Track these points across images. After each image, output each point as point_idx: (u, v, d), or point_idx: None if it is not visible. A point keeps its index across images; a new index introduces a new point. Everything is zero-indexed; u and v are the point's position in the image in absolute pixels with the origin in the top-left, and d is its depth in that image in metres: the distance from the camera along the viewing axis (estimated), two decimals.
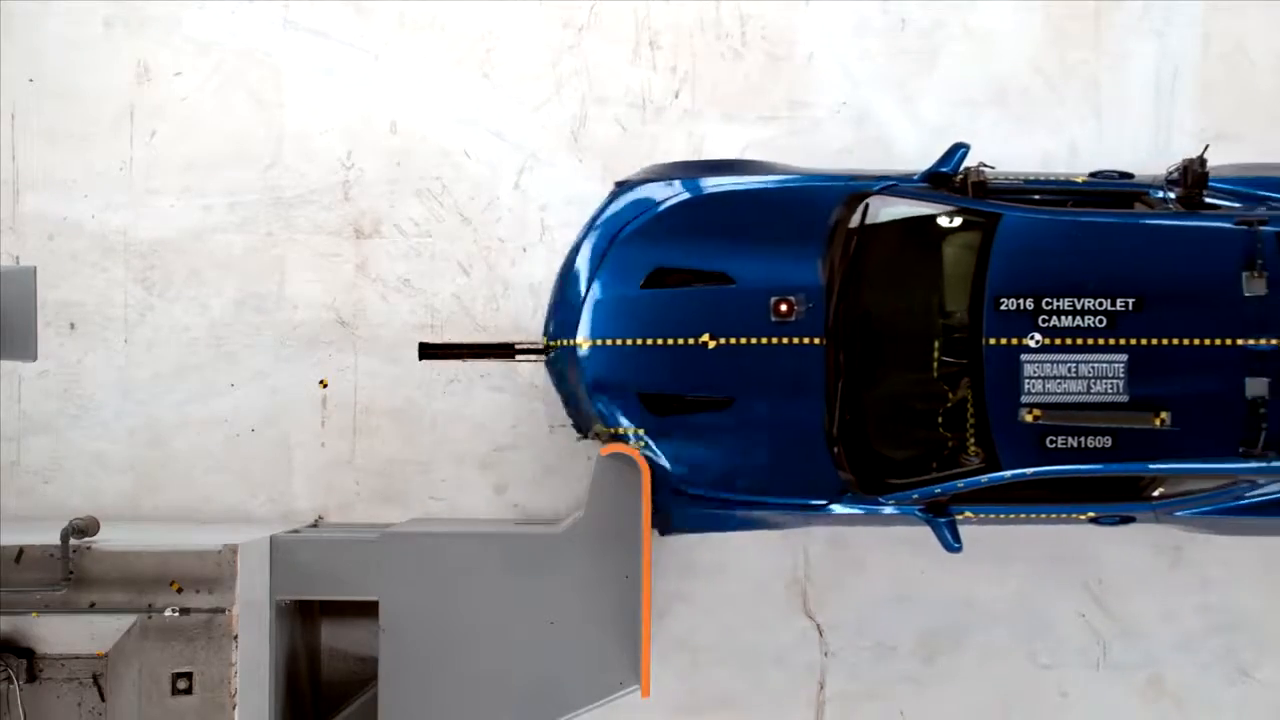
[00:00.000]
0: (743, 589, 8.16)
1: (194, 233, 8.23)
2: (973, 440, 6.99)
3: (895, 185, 7.15)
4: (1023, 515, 7.21)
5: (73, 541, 6.43)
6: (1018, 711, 8.22)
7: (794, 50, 8.38)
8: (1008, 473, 6.85)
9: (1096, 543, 8.19)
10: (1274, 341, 6.82)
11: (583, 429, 7.48)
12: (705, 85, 8.35)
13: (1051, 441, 6.83)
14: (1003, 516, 7.23)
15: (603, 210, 7.38)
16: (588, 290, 7.19)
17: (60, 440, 8.16)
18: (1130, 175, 7.38)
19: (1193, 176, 7.08)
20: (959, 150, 7.13)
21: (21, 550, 6.46)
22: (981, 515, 7.19)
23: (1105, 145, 8.18)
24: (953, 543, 7.04)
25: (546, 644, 6.72)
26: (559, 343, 7.31)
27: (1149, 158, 8.16)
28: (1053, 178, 7.32)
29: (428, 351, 7.93)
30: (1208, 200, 7.12)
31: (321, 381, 8.21)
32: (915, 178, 7.19)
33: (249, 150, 8.27)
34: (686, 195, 7.22)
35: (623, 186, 7.43)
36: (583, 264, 7.27)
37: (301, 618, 7.21)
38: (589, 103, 8.33)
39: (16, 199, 8.19)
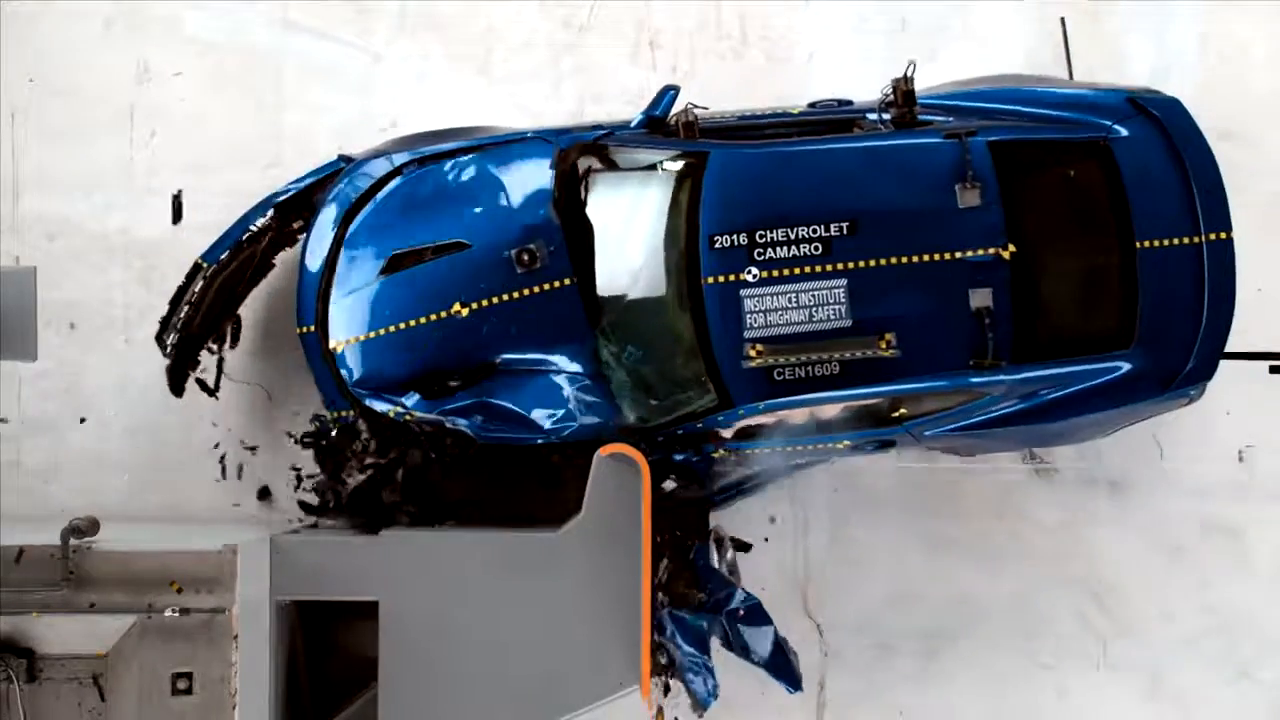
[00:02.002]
0: None
1: (194, 232, 8.22)
2: (706, 378, 6.94)
3: (610, 134, 7.13)
4: (776, 449, 7.18)
5: (73, 541, 6.43)
6: (1018, 711, 8.22)
7: (794, 50, 8.40)
8: (740, 409, 6.84)
9: (1096, 542, 8.21)
10: (993, 251, 6.79)
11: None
12: (705, 85, 8.35)
13: (779, 374, 6.81)
14: (755, 452, 7.21)
15: (328, 200, 7.28)
16: (330, 289, 7.15)
17: (60, 440, 8.17)
18: (849, 102, 7.34)
19: (902, 95, 7.05)
20: (668, 93, 7.15)
21: (21, 550, 6.45)
22: (736, 452, 7.20)
23: None
24: (705, 479, 7.13)
25: (546, 644, 6.72)
26: (307, 329, 7.25)
27: None
28: (769, 111, 7.28)
29: None
30: (921, 118, 7.06)
31: None
32: (631, 125, 7.17)
33: (249, 150, 8.27)
34: (408, 175, 7.19)
35: (346, 171, 7.33)
36: (316, 264, 7.21)
37: (301, 618, 7.21)
38: (588, 102, 8.34)
39: (16, 199, 8.20)
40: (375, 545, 6.88)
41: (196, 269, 7.30)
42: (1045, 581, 8.21)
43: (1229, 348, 8.05)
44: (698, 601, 7.17)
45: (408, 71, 8.36)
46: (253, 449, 8.13)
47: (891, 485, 8.20)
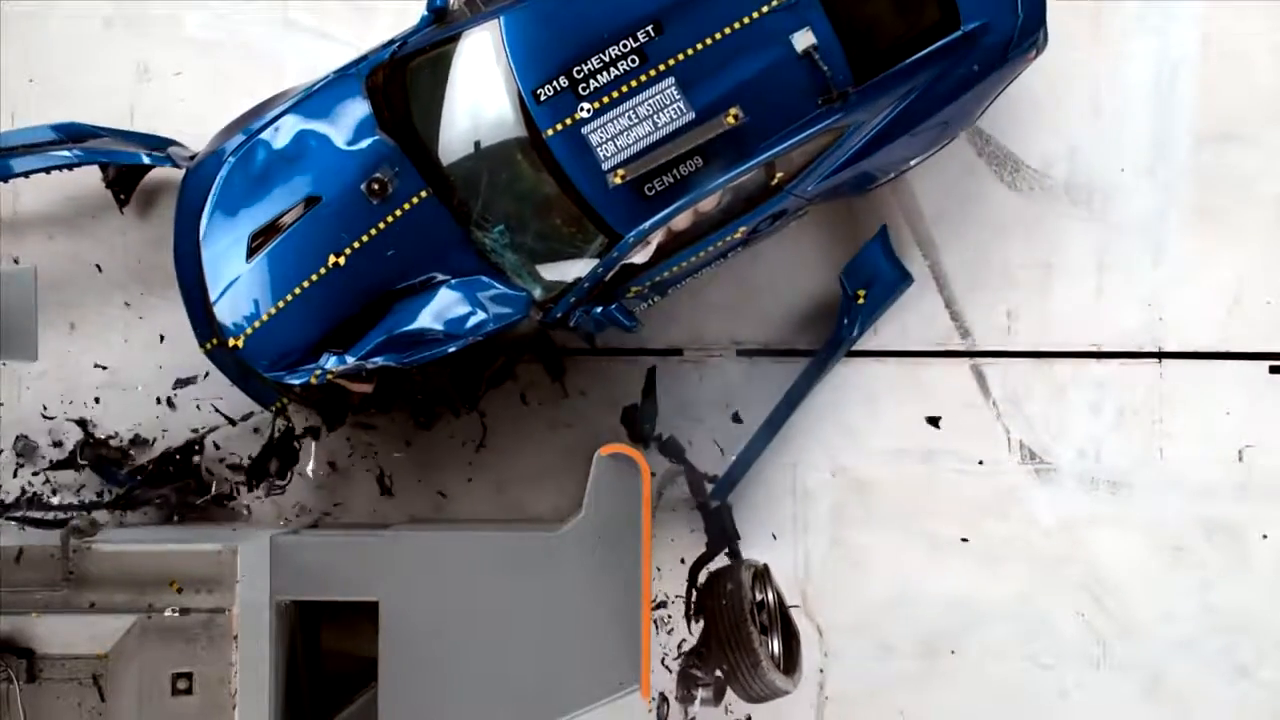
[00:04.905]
0: None
1: None
2: (587, 224, 6.98)
3: (404, 43, 7.17)
4: (682, 264, 7.25)
5: (73, 541, 6.43)
6: (1018, 711, 8.22)
7: None
8: (629, 236, 6.91)
9: (1096, 542, 8.20)
10: None
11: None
12: None
13: (650, 189, 6.91)
14: (666, 275, 7.28)
15: (180, 199, 7.33)
16: (205, 289, 7.14)
17: (60, 440, 8.16)
18: None
19: None
20: None
21: (21, 550, 6.46)
22: (647, 285, 7.27)
23: (1105, 145, 8.18)
24: (628, 322, 7.17)
25: (546, 644, 6.72)
26: (210, 344, 7.30)
27: (1150, 157, 8.17)
28: None
29: None
30: None
31: None
32: (419, 24, 7.20)
33: None
34: (236, 155, 7.20)
35: (183, 179, 7.38)
36: (189, 278, 7.24)
37: (301, 618, 7.22)
38: None
39: (16, 199, 8.19)
40: (375, 545, 6.89)
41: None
42: (1045, 581, 8.20)
43: (1230, 348, 8.08)
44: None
45: None
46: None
47: (891, 486, 8.20)
